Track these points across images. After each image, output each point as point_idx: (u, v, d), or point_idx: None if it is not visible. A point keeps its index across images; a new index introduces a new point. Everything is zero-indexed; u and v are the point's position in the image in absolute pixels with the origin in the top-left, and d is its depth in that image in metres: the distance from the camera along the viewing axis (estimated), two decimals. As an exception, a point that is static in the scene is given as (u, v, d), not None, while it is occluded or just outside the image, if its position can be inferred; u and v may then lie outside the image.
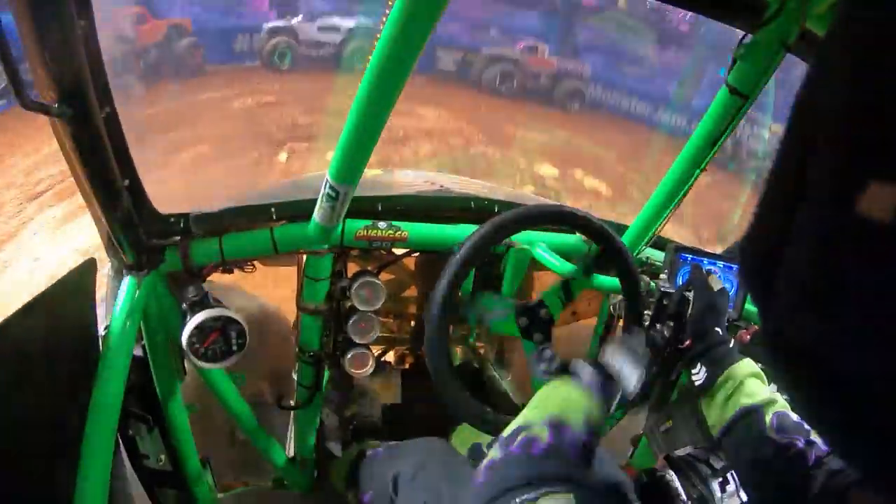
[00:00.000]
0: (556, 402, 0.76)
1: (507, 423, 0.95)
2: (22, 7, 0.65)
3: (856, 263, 0.23)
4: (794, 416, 0.84)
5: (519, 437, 0.67)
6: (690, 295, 1.05)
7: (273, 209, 1.18)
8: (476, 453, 1.29)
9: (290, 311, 1.60)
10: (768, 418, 0.85)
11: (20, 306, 0.79)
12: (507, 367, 2.04)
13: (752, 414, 0.87)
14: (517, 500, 0.54)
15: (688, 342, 1.00)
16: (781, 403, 0.86)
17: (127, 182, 0.98)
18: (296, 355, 1.41)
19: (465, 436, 1.53)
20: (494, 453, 0.67)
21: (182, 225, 1.12)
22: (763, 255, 0.28)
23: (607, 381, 0.84)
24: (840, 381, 0.25)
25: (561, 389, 0.81)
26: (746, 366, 0.94)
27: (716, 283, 1.05)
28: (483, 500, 0.57)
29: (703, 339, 0.99)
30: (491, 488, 0.59)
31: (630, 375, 0.86)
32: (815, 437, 0.81)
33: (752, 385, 0.91)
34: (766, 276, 0.27)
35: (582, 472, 0.61)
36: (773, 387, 0.92)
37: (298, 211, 1.18)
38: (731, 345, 0.98)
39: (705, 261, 1.34)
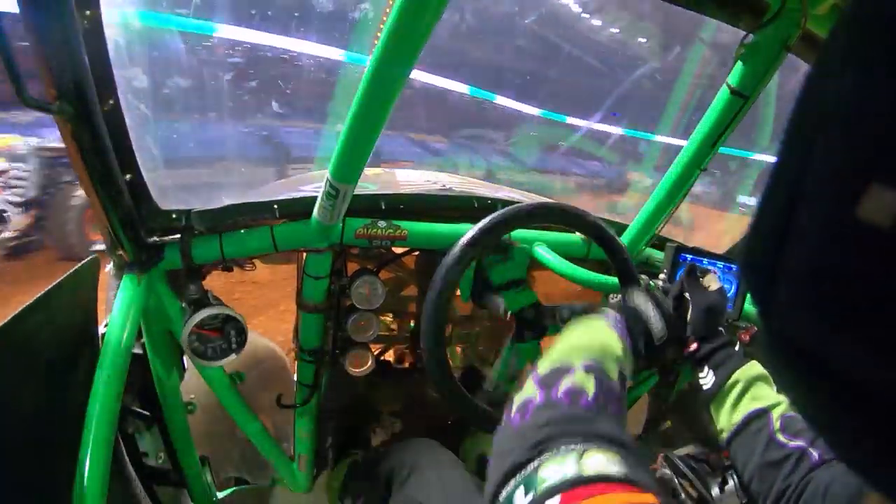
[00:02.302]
0: (591, 344, 0.72)
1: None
2: (23, 4, 0.65)
3: (856, 266, 0.23)
4: (801, 418, 0.84)
5: (563, 384, 0.61)
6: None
7: (275, 206, 1.19)
8: (482, 466, 1.30)
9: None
10: (775, 421, 0.85)
11: (26, 304, 0.79)
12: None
13: (760, 417, 0.87)
14: (562, 448, 0.49)
15: (694, 346, 1.00)
16: (788, 405, 0.86)
17: (128, 177, 0.98)
18: (295, 353, 1.41)
19: (474, 444, 1.53)
20: (531, 391, 0.61)
21: (183, 222, 1.12)
22: (763, 255, 0.28)
23: (635, 324, 0.84)
24: (840, 383, 0.25)
25: (594, 328, 0.78)
26: (753, 368, 0.94)
27: (713, 283, 1.05)
28: (528, 442, 0.52)
29: (707, 340, 0.99)
30: (537, 432, 0.53)
31: (657, 318, 0.87)
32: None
33: (760, 388, 0.91)
34: (767, 276, 0.27)
35: (626, 435, 0.56)
36: None
37: (299, 208, 1.18)
38: (736, 346, 0.98)
39: (705, 260, 1.34)
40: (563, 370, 0.63)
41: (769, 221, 0.28)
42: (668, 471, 1.30)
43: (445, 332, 1.08)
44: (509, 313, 1.20)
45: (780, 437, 0.83)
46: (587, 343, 0.72)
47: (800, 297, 0.25)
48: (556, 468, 0.47)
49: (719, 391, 0.94)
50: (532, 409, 0.58)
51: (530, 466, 0.48)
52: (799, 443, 0.81)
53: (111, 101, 0.87)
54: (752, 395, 0.91)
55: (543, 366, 0.66)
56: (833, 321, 0.24)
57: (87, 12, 0.77)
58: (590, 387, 0.60)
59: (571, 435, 0.51)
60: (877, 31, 0.22)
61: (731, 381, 0.93)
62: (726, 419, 0.93)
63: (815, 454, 0.79)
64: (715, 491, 1.25)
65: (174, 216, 1.11)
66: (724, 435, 0.93)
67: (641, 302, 0.88)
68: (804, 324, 0.25)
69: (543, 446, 0.50)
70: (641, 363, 0.86)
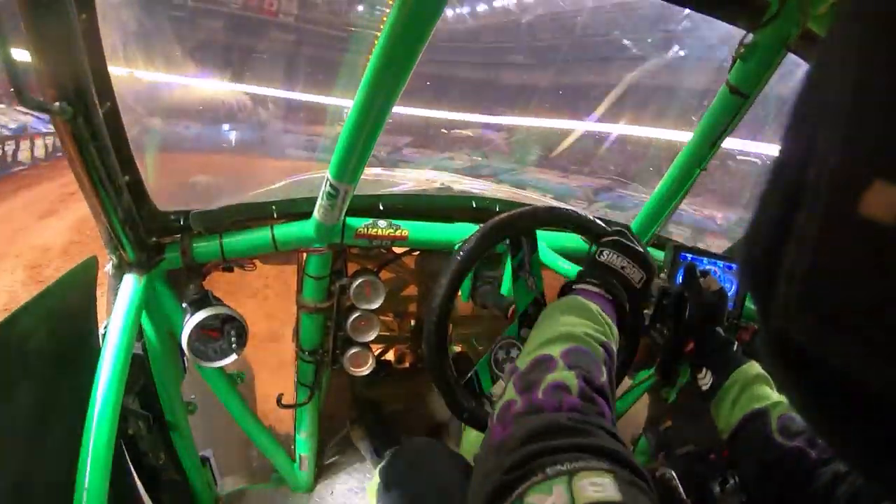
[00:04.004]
0: (570, 327, 0.67)
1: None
2: (22, 6, 0.65)
3: (857, 264, 0.22)
4: (800, 418, 0.83)
5: (543, 382, 0.56)
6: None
7: (274, 207, 1.18)
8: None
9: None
10: (774, 421, 0.85)
11: (23, 304, 0.79)
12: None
13: (759, 417, 0.87)
14: (549, 470, 0.44)
15: (690, 346, 1.00)
16: (787, 405, 0.86)
17: (127, 178, 0.98)
18: (295, 354, 1.41)
19: (473, 439, 1.53)
20: (511, 393, 0.57)
21: (182, 222, 1.12)
22: (763, 254, 0.28)
23: (612, 283, 0.82)
24: (840, 383, 0.25)
25: (571, 307, 0.74)
26: (752, 368, 0.94)
27: (713, 284, 1.05)
28: (509, 462, 0.47)
29: (705, 341, 0.99)
30: (519, 449, 0.48)
31: (633, 270, 0.86)
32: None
33: (759, 388, 0.91)
34: (766, 275, 0.27)
35: (617, 441, 0.51)
36: None
37: (299, 209, 1.18)
38: (735, 346, 0.98)
39: (705, 260, 1.34)
40: (542, 364, 0.60)
41: (769, 220, 0.28)
42: (668, 470, 1.30)
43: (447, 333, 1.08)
44: (511, 310, 1.19)
45: (780, 438, 0.83)
46: (566, 326, 0.68)
47: (799, 296, 0.25)
48: (542, 499, 0.43)
49: (718, 391, 0.94)
50: (513, 416, 0.54)
51: (514, 493, 0.44)
52: (798, 443, 0.81)
53: (108, 104, 0.87)
54: (751, 395, 0.90)
55: (523, 360, 0.62)
56: (833, 321, 0.24)
57: (84, 15, 0.77)
58: (572, 383, 0.56)
59: (557, 451, 0.46)
60: (877, 27, 0.22)
61: (729, 382, 0.93)
62: (726, 419, 0.92)
63: (814, 454, 0.79)
64: (716, 491, 1.25)
65: (174, 217, 1.11)
66: (724, 435, 0.93)
67: (609, 254, 0.87)
68: (803, 323, 0.25)
69: (527, 468, 0.45)
70: (631, 321, 0.85)
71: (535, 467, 0.45)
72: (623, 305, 0.82)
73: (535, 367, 0.59)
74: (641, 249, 0.89)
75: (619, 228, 0.95)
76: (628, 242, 0.89)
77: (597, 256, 0.88)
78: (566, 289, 0.86)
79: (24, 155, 10.94)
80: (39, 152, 11.35)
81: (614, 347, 0.71)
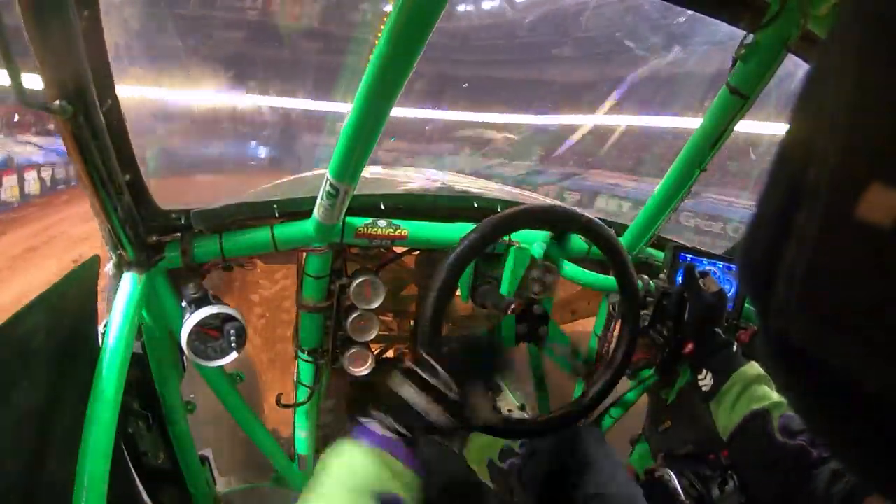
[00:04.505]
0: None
1: (500, 422, 0.94)
2: (23, 3, 0.65)
3: (856, 266, 0.22)
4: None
5: None
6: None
7: (275, 206, 1.19)
8: (493, 470, 1.30)
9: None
10: (775, 421, 0.85)
11: (25, 304, 0.79)
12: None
13: (760, 417, 0.87)
14: None
15: (690, 347, 1.00)
16: (787, 405, 0.87)
17: (128, 177, 0.98)
18: (295, 353, 1.41)
19: (478, 446, 1.53)
20: None
21: (183, 221, 1.12)
22: (763, 255, 0.28)
23: (398, 418, 0.74)
24: (839, 384, 0.25)
25: (343, 466, 0.69)
26: (752, 369, 0.94)
27: (712, 285, 1.05)
28: None
29: (705, 342, 0.99)
30: None
31: (422, 401, 0.76)
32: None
33: (759, 389, 0.91)
34: (766, 276, 0.27)
35: None
36: None
37: (299, 208, 1.18)
38: (734, 347, 0.98)
39: (705, 261, 1.34)
40: None
41: (768, 221, 0.28)
42: (667, 471, 1.30)
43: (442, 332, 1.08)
44: (510, 309, 1.19)
45: (781, 437, 0.83)
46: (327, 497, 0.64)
47: (799, 296, 0.25)
48: None
49: (718, 392, 0.94)
50: None
51: None
52: (799, 441, 0.81)
53: (110, 101, 0.87)
54: (750, 395, 0.91)
55: None
56: (832, 321, 0.24)
57: (86, 12, 0.77)
58: None
59: None
60: (878, 28, 0.22)
61: (730, 383, 0.93)
62: (726, 420, 0.93)
63: (814, 453, 0.79)
64: (715, 492, 1.25)
65: (174, 216, 1.11)
66: (725, 435, 0.93)
67: (403, 388, 0.77)
68: (803, 324, 0.25)
69: None
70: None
71: None
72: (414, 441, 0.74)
73: None
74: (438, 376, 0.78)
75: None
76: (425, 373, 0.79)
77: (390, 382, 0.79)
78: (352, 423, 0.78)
79: (8, 193, 9.35)
80: (33, 188, 10.01)
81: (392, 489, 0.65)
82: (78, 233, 7.93)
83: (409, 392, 0.76)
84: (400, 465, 0.69)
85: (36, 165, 10.17)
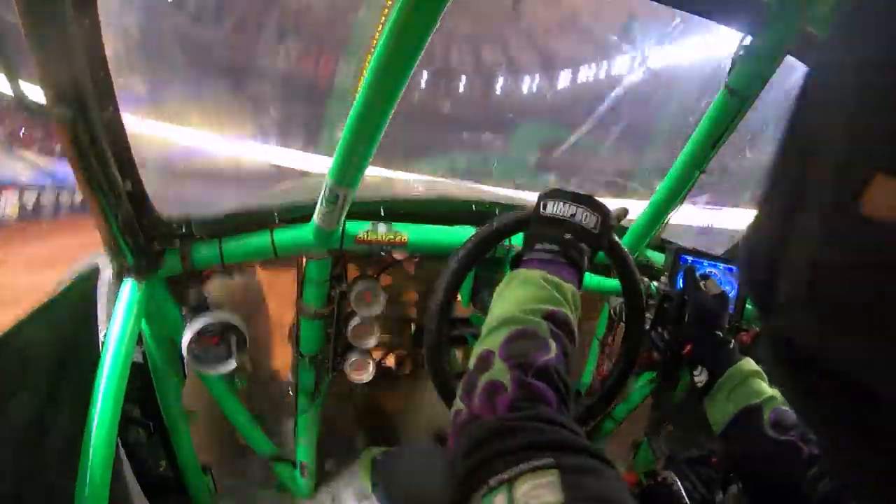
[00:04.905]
0: (510, 313, 0.63)
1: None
2: (21, 7, 0.65)
3: (859, 262, 0.22)
4: (793, 413, 0.84)
5: (480, 385, 0.54)
6: None
7: (275, 213, 1.18)
8: None
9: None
10: (767, 415, 0.85)
11: (25, 314, 0.79)
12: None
13: (752, 412, 0.87)
14: (491, 481, 0.43)
15: (688, 348, 1.00)
16: (780, 400, 0.87)
17: (128, 184, 0.97)
18: (295, 359, 1.41)
19: None
20: (459, 404, 0.56)
21: (183, 229, 1.12)
22: (764, 254, 0.28)
23: (564, 244, 0.74)
24: (839, 382, 0.25)
25: (511, 286, 0.69)
26: (747, 365, 0.94)
27: (713, 287, 1.05)
28: (458, 478, 0.47)
29: (703, 343, 0.99)
30: (464, 462, 0.47)
31: (585, 214, 0.77)
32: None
33: (753, 383, 0.91)
34: (768, 276, 0.27)
35: (561, 427, 0.49)
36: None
37: (299, 214, 1.18)
38: (732, 346, 0.98)
39: (706, 262, 1.33)
40: (481, 362, 0.57)
41: (770, 219, 0.28)
42: (671, 474, 1.29)
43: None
44: None
45: (772, 432, 0.84)
46: (506, 309, 0.64)
47: (801, 294, 0.25)
48: None
49: (712, 386, 0.94)
50: (459, 425, 0.53)
51: None
52: (791, 437, 0.81)
53: (111, 108, 0.87)
54: (744, 389, 0.91)
55: (473, 357, 0.60)
56: (835, 319, 0.24)
57: (86, 20, 0.78)
58: (506, 378, 0.54)
59: (497, 458, 0.45)
60: (878, 24, 0.22)
61: (724, 378, 0.93)
62: (719, 413, 0.93)
63: (805, 450, 0.79)
64: (718, 495, 1.25)
65: (174, 224, 1.11)
66: (717, 430, 0.93)
67: (554, 205, 0.78)
68: (804, 322, 0.25)
69: (471, 484, 0.45)
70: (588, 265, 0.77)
71: (477, 480, 0.44)
72: (578, 263, 0.75)
73: (476, 367, 0.58)
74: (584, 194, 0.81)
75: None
76: (568, 190, 0.81)
77: (541, 210, 0.79)
78: (517, 260, 0.79)
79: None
80: (8, 211, 8.48)
81: (567, 311, 0.66)
82: (16, 285, 4.92)
83: (560, 207, 0.78)
84: (562, 281, 0.69)
85: (21, 186, 8.61)
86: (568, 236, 0.76)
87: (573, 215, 0.77)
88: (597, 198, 0.79)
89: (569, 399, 0.56)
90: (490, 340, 0.60)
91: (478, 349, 0.60)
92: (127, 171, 0.97)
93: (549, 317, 0.63)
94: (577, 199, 0.78)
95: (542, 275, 0.69)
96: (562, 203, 0.78)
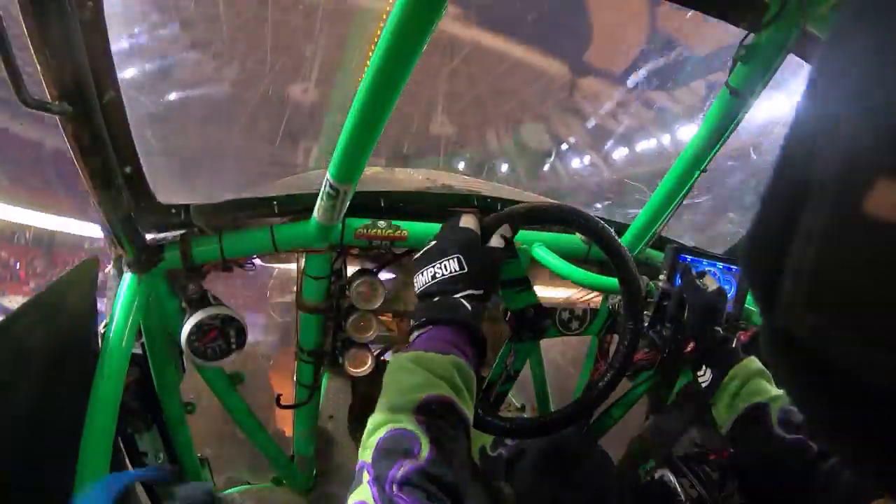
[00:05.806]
0: (385, 407, 0.66)
1: (502, 423, 0.94)
2: (23, 4, 0.65)
3: (862, 262, 0.22)
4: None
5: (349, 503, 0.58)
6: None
7: (275, 203, 1.18)
8: (484, 458, 1.30)
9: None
10: (774, 414, 0.85)
11: (22, 304, 0.79)
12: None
13: (759, 411, 0.88)
14: None
15: (690, 346, 1.00)
16: (787, 398, 0.87)
17: (128, 169, 0.97)
18: (295, 354, 1.41)
19: (476, 437, 1.53)
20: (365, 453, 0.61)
21: (182, 216, 1.11)
22: (768, 253, 0.28)
23: (439, 310, 0.74)
24: (843, 380, 0.25)
25: (391, 376, 0.69)
26: (751, 364, 0.94)
27: (711, 284, 1.05)
28: None
29: (704, 340, 0.99)
30: None
31: (440, 264, 0.75)
32: None
33: (758, 383, 0.91)
34: (771, 274, 0.27)
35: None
36: None
37: (299, 205, 1.18)
38: (733, 343, 0.98)
39: (705, 262, 1.33)
40: (358, 474, 0.60)
41: (773, 218, 0.28)
42: (667, 472, 1.29)
43: None
44: (508, 313, 1.19)
45: (780, 430, 0.84)
46: (385, 403, 0.66)
47: (805, 293, 0.25)
48: None
49: (717, 387, 0.94)
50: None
51: None
52: (798, 436, 0.82)
53: (112, 93, 0.86)
54: (750, 389, 0.91)
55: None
56: (838, 318, 0.24)
57: (87, 11, 0.77)
58: (370, 498, 0.56)
59: None
60: (879, 27, 0.22)
61: (728, 377, 0.93)
62: (725, 414, 0.93)
63: (813, 448, 0.79)
64: (714, 492, 1.25)
65: (174, 210, 1.11)
66: (723, 429, 0.93)
67: (416, 279, 0.78)
68: (808, 321, 0.25)
69: None
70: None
71: None
72: (461, 317, 0.74)
73: (354, 481, 0.60)
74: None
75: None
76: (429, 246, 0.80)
77: (415, 291, 0.79)
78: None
79: None
80: None
81: (442, 391, 0.66)
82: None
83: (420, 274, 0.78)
84: (435, 355, 0.70)
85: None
86: (436, 299, 0.75)
87: (434, 276, 0.76)
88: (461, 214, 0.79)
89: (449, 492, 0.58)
90: (366, 451, 0.62)
91: (360, 456, 0.62)
92: (128, 157, 0.96)
93: (421, 408, 0.63)
94: (431, 254, 0.78)
95: (415, 356, 0.69)
96: (420, 273, 0.78)
